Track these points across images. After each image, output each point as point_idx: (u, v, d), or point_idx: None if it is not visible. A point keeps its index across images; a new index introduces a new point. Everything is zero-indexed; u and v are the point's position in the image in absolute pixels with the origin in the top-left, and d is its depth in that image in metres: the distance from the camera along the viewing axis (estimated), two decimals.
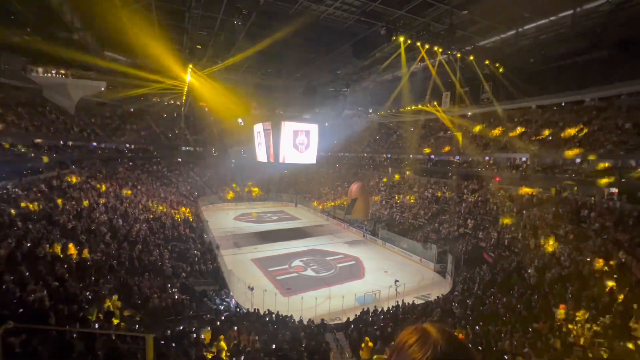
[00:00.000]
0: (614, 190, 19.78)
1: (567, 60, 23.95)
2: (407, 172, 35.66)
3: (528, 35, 20.55)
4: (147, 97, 41.91)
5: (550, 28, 19.38)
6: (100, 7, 18.40)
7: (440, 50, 21.07)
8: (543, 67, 25.54)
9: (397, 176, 36.42)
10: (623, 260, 12.55)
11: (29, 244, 10.18)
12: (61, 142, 30.27)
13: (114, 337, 6.10)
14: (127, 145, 39.01)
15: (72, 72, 32.08)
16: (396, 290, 16.26)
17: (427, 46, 20.54)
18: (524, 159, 26.50)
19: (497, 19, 19.23)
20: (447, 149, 33.91)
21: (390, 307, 14.50)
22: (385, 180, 37.44)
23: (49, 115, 30.79)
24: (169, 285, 12.93)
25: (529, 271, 14.59)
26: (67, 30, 22.38)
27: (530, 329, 10.16)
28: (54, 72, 31.65)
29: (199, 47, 24.71)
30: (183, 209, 26.60)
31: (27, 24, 22.34)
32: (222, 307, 13.50)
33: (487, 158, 29.64)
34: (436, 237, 23.70)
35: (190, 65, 26.06)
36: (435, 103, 36.79)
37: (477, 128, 32.49)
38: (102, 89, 35.75)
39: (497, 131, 30.61)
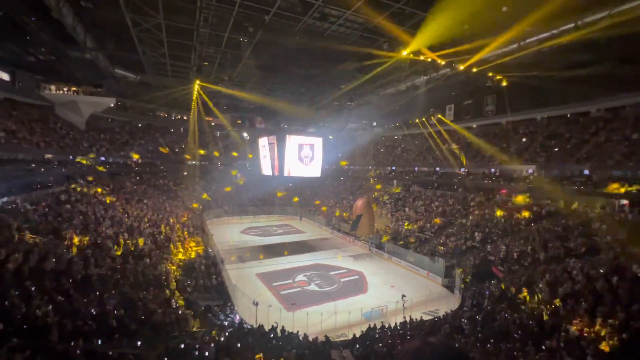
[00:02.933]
0: (625, 202, 19.41)
1: (570, 72, 24.01)
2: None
3: (530, 48, 20.72)
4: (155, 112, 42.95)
5: (552, 41, 19.53)
6: (112, 27, 19.10)
7: (443, 63, 21.31)
8: (546, 79, 25.63)
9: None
10: (638, 274, 12.18)
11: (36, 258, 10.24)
12: (70, 157, 30.86)
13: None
14: (135, 159, 39.63)
15: (83, 89, 33.05)
16: (403, 305, 15.90)
17: (429, 60, 20.80)
18: (530, 171, 26.26)
19: (499, 33, 19.45)
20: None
21: (398, 324, 14.16)
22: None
23: (59, 131, 31.54)
24: (173, 300, 12.83)
25: (540, 286, 14.19)
26: (80, 50, 23.23)
27: (543, 347, 9.80)
28: (66, 89, 32.63)
29: (206, 64, 25.35)
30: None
31: (42, 44, 23.24)
32: (226, 323, 13.31)
33: (492, 170, 29.43)
34: (443, 250, 23.31)
35: (197, 82, 26.69)
36: (440, 116, 37.00)
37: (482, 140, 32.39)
38: (112, 105, 36.71)
39: (502, 143, 30.48)
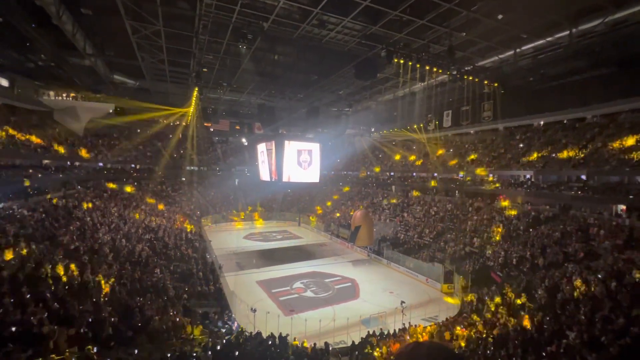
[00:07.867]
0: (623, 207, 19.47)
1: (566, 79, 24.29)
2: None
3: (526, 55, 20.97)
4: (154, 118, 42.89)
5: (548, 48, 19.79)
6: (112, 34, 19.20)
7: (440, 70, 21.49)
8: (543, 85, 25.90)
9: None
10: (638, 280, 12.15)
11: (33, 265, 10.12)
12: (68, 162, 30.77)
13: None
14: (133, 165, 39.55)
15: (82, 95, 33.07)
16: (402, 312, 15.80)
17: (427, 67, 20.97)
18: (528, 176, 26.36)
19: (495, 40, 19.71)
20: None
21: (397, 330, 14.04)
22: None
23: (58, 137, 31.49)
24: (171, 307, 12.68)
25: (539, 292, 14.14)
26: (80, 57, 23.30)
27: (543, 354, 9.72)
28: (64, 95, 32.66)
29: (205, 70, 25.48)
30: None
31: (42, 50, 23.32)
32: (224, 330, 13.15)
33: (490, 175, 29.51)
34: (442, 256, 23.24)
35: (196, 88, 26.78)
36: (437, 122, 37.19)
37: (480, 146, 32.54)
38: (110, 110, 36.73)
39: (499, 148, 30.64)
